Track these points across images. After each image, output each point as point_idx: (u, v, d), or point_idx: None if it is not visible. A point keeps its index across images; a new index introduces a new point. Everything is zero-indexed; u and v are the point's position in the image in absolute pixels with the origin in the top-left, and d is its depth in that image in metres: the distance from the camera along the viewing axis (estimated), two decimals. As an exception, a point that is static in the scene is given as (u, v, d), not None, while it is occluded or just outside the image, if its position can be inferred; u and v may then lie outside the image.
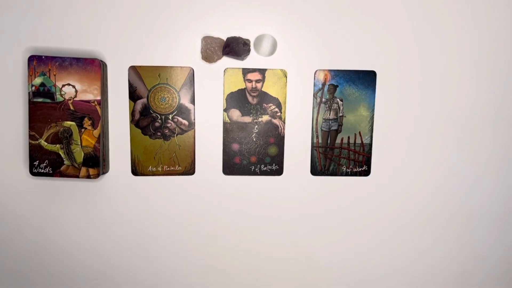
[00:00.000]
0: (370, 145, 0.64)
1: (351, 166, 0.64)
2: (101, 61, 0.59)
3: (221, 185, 0.64)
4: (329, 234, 0.66)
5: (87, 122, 0.59)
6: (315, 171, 0.64)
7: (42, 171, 0.59)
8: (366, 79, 0.62)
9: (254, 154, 0.63)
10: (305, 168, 0.64)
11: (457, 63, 0.63)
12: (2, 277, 0.65)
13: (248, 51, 0.60)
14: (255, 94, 0.62)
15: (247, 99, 0.62)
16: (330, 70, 0.62)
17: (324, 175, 0.64)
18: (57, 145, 0.59)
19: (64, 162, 0.59)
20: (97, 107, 0.59)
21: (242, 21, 0.61)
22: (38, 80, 0.58)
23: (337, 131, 0.63)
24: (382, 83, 0.63)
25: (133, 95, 0.61)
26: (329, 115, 0.63)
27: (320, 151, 0.64)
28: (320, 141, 0.63)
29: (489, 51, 0.63)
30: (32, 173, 0.59)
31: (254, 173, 0.64)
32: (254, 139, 0.63)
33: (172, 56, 0.61)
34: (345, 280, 0.68)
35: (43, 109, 0.58)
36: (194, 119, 0.62)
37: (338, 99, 0.63)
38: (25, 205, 0.63)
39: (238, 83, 0.62)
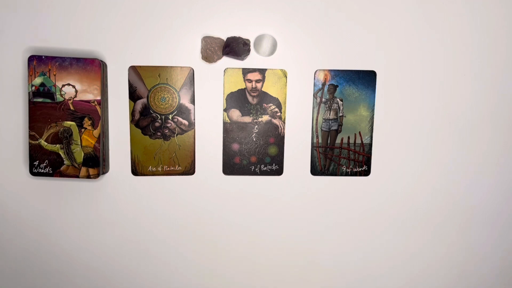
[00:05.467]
0: (370, 145, 0.64)
1: (351, 166, 0.64)
2: (101, 61, 0.59)
3: (221, 185, 0.64)
4: (329, 234, 0.66)
5: (87, 122, 0.59)
6: (315, 171, 0.64)
7: (42, 171, 0.59)
8: (366, 79, 0.62)
9: (254, 154, 0.63)
10: (305, 168, 0.64)
11: (457, 63, 0.63)
12: (2, 277, 0.65)
13: (248, 51, 0.60)
14: (255, 94, 0.62)
15: (247, 99, 0.62)
16: (330, 70, 0.62)
17: (324, 175, 0.64)
18: (57, 145, 0.59)
19: (64, 162, 0.59)
20: (97, 107, 0.59)
21: (242, 21, 0.61)
22: (38, 80, 0.58)
23: (337, 131, 0.63)
24: (382, 83, 0.63)
25: (133, 95, 0.61)
26: (329, 115, 0.63)
27: (320, 151, 0.64)
28: (320, 141, 0.63)
29: (489, 51, 0.63)
30: (32, 173, 0.59)
31: (254, 173, 0.64)
32: (254, 139, 0.63)
33: (172, 56, 0.61)
34: (345, 279, 0.68)
35: (43, 109, 0.58)
36: (194, 119, 0.62)
37: (338, 99, 0.63)
38: (25, 205, 0.63)
39: (238, 83, 0.62)
